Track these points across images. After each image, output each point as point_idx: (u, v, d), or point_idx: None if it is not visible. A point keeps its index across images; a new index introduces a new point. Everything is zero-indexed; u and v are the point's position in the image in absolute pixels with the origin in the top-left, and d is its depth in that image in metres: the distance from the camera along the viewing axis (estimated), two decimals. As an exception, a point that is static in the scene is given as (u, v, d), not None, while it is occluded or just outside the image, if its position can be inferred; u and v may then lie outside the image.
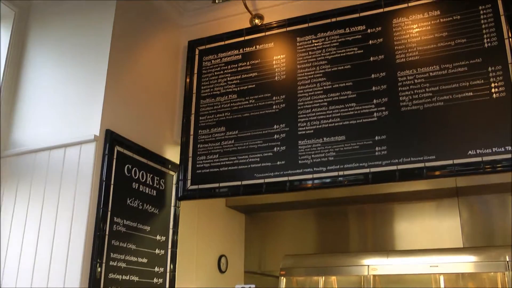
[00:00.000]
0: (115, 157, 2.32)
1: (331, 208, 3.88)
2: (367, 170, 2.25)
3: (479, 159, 2.10)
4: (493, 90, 2.18)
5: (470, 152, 2.12)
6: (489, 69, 2.19)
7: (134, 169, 2.43)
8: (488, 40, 2.24)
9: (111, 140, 2.30)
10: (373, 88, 2.35)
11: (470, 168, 2.11)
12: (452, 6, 2.36)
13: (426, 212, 3.68)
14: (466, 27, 2.29)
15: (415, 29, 2.38)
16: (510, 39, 2.20)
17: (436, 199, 3.67)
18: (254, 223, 4.08)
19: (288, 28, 2.62)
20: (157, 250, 2.53)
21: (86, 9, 2.54)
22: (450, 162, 2.14)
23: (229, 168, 2.54)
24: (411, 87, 2.30)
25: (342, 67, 2.44)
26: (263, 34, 2.67)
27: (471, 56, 2.25)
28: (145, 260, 2.41)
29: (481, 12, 2.29)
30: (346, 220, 3.87)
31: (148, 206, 2.49)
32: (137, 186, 2.44)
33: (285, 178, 2.40)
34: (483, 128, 2.14)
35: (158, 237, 2.54)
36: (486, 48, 2.23)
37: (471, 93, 2.19)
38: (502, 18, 2.25)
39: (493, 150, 2.09)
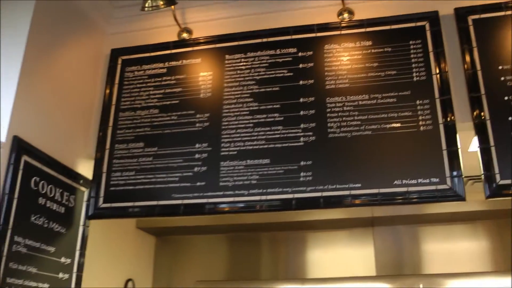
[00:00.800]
0: (21, 167, 2.23)
1: (244, 234, 4.07)
2: (291, 196, 2.36)
3: (404, 189, 2.27)
4: (420, 122, 2.38)
5: (396, 182, 2.29)
6: (417, 102, 2.41)
7: (42, 182, 2.36)
8: (417, 74, 2.47)
9: (18, 148, 2.22)
10: (301, 113, 2.49)
11: (395, 197, 2.28)
12: (384, 38, 2.58)
13: (340, 240, 3.97)
14: (396, 59, 2.52)
15: (346, 57, 2.57)
16: (438, 75, 2.44)
17: (350, 228, 3.97)
18: (164, 247, 4.16)
19: (217, 45, 2.74)
20: (60, 274, 2.44)
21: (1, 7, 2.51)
22: (376, 191, 2.30)
23: (145, 186, 2.55)
24: (339, 114, 2.46)
25: (271, 89, 2.58)
26: (190, 48, 2.77)
27: (400, 88, 2.46)
28: (46, 286, 2.32)
29: (412, 46, 2.53)
30: (258, 247, 4.08)
31: (54, 224, 2.42)
32: (44, 202, 2.36)
33: (205, 200, 2.46)
34: (409, 159, 2.33)
35: (63, 260, 2.46)
36: (415, 82, 2.46)
37: (399, 124, 2.39)
38: (431, 55, 2.50)
39: (419, 181, 2.27)
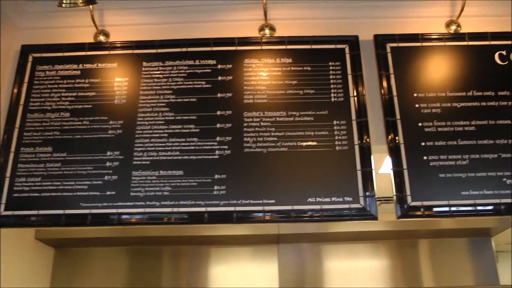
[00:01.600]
0: None
1: (147, 248, 4.17)
2: (203, 209, 2.47)
3: (318, 206, 2.46)
4: (336, 142, 2.59)
5: (310, 199, 2.48)
6: (334, 122, 2.63)
7: None
8: (335, 95, 2.69)
9: None
10: (218, 125, 2.62)
11: (308, 215, 2.46)
12: (304, 56, 2.79)
13: (244, 257, 4.17)
14: (315, 79, 2.73)
15: (266, 73, 2.74)
16: (355, 97, 2.68)
17: (255, 244, 4.18)
18: (63, 259, 4.16)
19: (135, 51, 2.83)
20: None
21: None
22: (289, 207, 2.46)
23: (52, 194, 2.55)
24: (256, 129, 2.62)
25: (188, 99, 2.69)
26: (107, 52, 2.84)
27: (318, 107, 2.67)
28: None
29: (331, 68, 2.76)
30: (161, 261, 4.19)
31: None
32: None
33: (114, 210, 2.50)
34: (324, 177, 2.52)
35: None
36: (333, 102, 2.68)
37: (316, 143, 2.59)
38: (350, 77, 2.74)
39: (332, 199, 2.47)
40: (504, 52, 2.91)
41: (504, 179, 2.59)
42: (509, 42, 2.94)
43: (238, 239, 4.08)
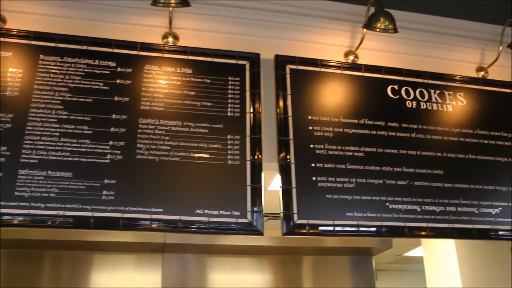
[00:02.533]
0: None
1: (25, 251, 4.27)
2: (90, 214, 2.60)
3: (205, 219, 2.68)
4: (229, 156, 2.84)
5: (198, 210, 2.69)
6: (229, 136, 2.88)
7: None
8: (232, 109, 2.95)
9: None
10: (112, 129, 2.78)
11: (195, 226, 2.68)
12: (205, 68, 3.02)
13: (128, 265, 4.41)
14: (214, 92, 2.97)
15: (165, 81, 2.93)
16: (251, 114, 2.95)
17: (140, 252, 4.40)
18: None
19: (33, 42, 2.91)
20: None
21: None
22: (177, 217, 2.66)
23: None
24: (150, 136, 2.80)
25: (83, 99, 2.82)
26: (2, 39, 2.89)
27: (214, 120, 2.90)
28: None
29: (230, 82, 3.02)
30: (40, 266, 4.33)
31: None
32: None
33: None
34: (214, 190, 2.75)
35: None
36: (228, 117, 2.93)
37: (208, 155, 2.81)
38: (247, 94, 3.01)
39: (220, 213, 2.72)
40: (396, 87, 3.37)
41: (387, 204, 2.97)
42: (401, 78, 3.38)
43: (123, 246, 4.24)
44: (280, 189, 2.87)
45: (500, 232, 3.22)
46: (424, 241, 4.74)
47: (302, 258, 4.83)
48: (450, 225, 3.07)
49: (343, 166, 3.02)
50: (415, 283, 4.85)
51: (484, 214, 3.19)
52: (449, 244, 4.27)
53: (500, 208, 3.19)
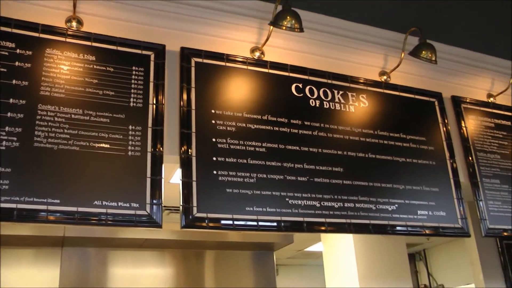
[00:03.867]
0: None
1: None
2: None
3: (104, 210, 2.63)
4: (129, 147, 2.80)
5: (96, 202, 2.64)
6: (130, 127, 2.84)
7: None
8: (135, 100, 2.92)
9: None
10: (9, 114, 2.67)
11: (94, 218, 2.61)
12: (109, 57, 2.95)
13: (25, 259, 4.28)
14: (117, 81, 2.92)
15: (67, 66, 2.85)
16: (154, 105, 2.93)
17: (38, 246, 4.28)
18: None
19: None
20: None
21: None
22: (74, 209, 2.59)
23: None
24: (49, 123, 2.71)
25: None
26: None
27: (116, 110, 2.85)
28: None
29: (134, 72, 2.98)
30: None
31: None
32: None
33: None
34: (113, 181, 2.71)
35: None
36: (131, 107, 2.89)
37: (108, 145, 2.76)
38: (151, 85, 2.97)
39: (119, 204, 2.66)
40: (300, 85, 3.43)
41: (287, 199, 3.03)
42: (305, 77, 3.46)
43: (20, 240, 4.09)
44: (180, 182, 2.86)
45: (397, 228, 3.38)
46: (323, 236, 4.85)
47: (204, 253, 4.84)
48: (348, 221, 3.18)
49: (245, 161, 3.05)
50: (315, 277, 4.97)
51: (381, 210, 3.32)
52: (347, 240, 4.39)
53: (396, 205, 3.32)
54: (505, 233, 3.95)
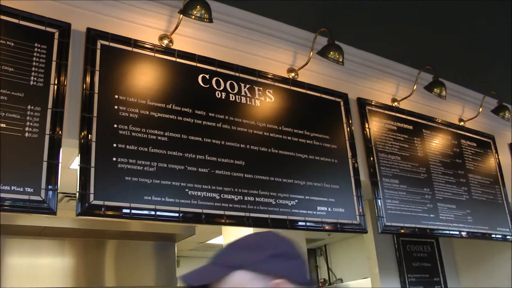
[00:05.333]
0: None
1: None
2: None
3: None
4: (27, 128, 2.69)
5: None
6: (29, 107, 2.73)
7: None
8: (35, 79, 2.80)
9: None
10: None
11: None
12: (10, 31, 2.81)
13: None
14: (18, 57, 2.80)
15: None
16: (56, 86, 2.82)
17: None
18: None
19: None
20: None
21: None
22: None
23: None
24: None
25: None
26: None
27: (15, 88, 2.73)
28: None
29: (36, 49, 2.86)
30: None
31: None
32: None
33: None
34: (7, 164, 2.59)
35: None
36: (31, 86, 2.78)
37: (4, 125, 2.64)
38: (54, 64, 2.87)
39: (12, 188, 2.57)
40: (207, 76, 3.40)
41: (187, 190, 3.01)
42: (213, 68, 3.43)
43: None
44: (78, 168, 2.78)
45: (296, 223, 3.44)
46: (224, 229, 4.83)
47: (105, 242, 4.76)
48: (247, 214, 3.20)
49: (146, 149, 3.00)
50: (216, 270, 4.89)
51: (280, 205, 3.35)
52: (246, 233, 4.35)
53: (296, 201, 3.35)
54: (402, 231, 4.14)
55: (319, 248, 8.25)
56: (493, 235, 4.84)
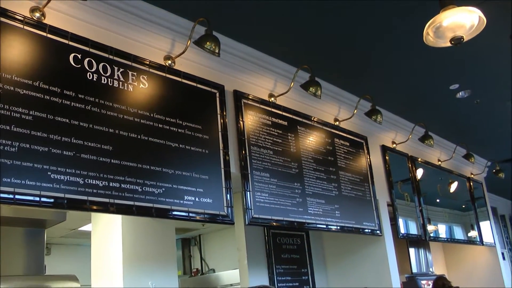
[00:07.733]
0: None
1: None
2: None
3: None
4: None
5: None
6: None
7: None
8: None
9: None
10: None
11: None
12: None
13: None
14: None
15: None
16: None
17: None
18: None
19: None
20: None
21: None
22: None
23: None
24: None
25: None
26: None
27: None
28: None
29: None
30: None
31: None
32: None
33: None
34: None
35: None
36: None
37: None
38: None
39: None
40: (79, 56, 3.26)
41: (49, 173, 2.91)
42: (86, 48, 3.31)
43: None
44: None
45: (161, 211, 3.42)
46: (93, 216, 4.73)
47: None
48: (112, 200, 3.13)
49: (8, 128, 2.85)
50: (89, 258, 4.80)
51: (147, 192, 3.31)
52: (116, 221, 4.31)
53: (163, 189, 3.34)
54: (274, 223, 4.24)
55: (194, 238, 8.27)
56: (361, 229, 5.02)
